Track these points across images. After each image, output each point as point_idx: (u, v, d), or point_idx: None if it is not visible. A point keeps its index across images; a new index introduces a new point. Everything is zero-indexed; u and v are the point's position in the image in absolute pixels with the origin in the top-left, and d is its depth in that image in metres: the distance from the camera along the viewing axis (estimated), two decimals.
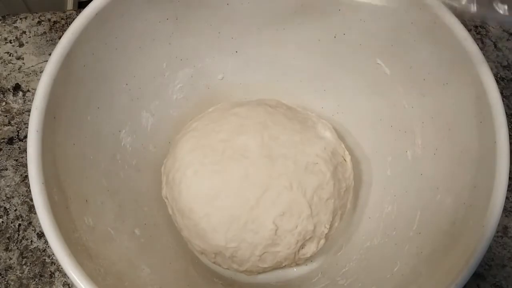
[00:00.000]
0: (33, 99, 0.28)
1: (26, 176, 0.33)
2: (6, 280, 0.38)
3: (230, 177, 0.35)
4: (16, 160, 0.42)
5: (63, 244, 0.25)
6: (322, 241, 0.36)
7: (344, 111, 0.41)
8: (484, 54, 0.31)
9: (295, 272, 0.37)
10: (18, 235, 0.39)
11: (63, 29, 0.46)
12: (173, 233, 0.37)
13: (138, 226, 0.33)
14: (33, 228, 0.40)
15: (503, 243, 0.42)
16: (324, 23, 0.37)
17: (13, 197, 0.40)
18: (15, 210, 0.40)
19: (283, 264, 0.35)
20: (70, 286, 0.38)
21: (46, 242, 0.38)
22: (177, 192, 0.36)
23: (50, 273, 0.38)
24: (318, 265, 0.37)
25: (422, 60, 0.34)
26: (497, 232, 0.41)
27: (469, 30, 0.33)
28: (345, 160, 0.38)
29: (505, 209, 0.42)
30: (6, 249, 0.39)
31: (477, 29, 0.51)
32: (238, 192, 0.34)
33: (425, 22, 0.33)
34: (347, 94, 0.40)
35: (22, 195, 0.41)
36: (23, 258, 0.39)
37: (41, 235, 0.39)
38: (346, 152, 0.39)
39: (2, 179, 0.41)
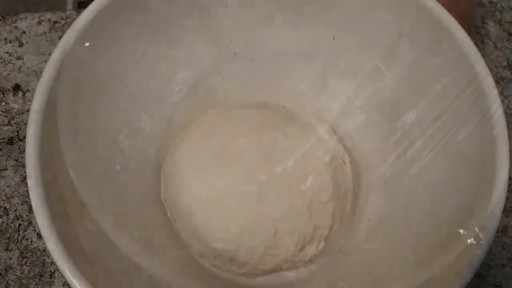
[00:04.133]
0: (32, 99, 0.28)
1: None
2: (6, 280, 0.38)
3: (229, 180, 0.35)
4: (16, 160, 0.42)
5: (62, 248, 0.25)
6: (322, 244, 0.36)
7: (344, 113, 0.41)
8: (484, 54, 0.31)
9: (295, 274, 0.37)
10: (18, 235, 0.39)
11: (63, 29, 0.46)
12: (172, 236, 0.37)
13: (137, 229, 0.33)
14: (33, 228, 0.40)
15: (503, 243, 0.42)
16: (323, 25, 0.37)
17: (13, 197, 0.41)
18: (15, 210, 0.40)
19: (283, 267, 0.36)
20: (70, 286, 0.38)
21: None
22: (175, 195, 0.36)
23: (50, 273, 0.38)
24: (318, 267, 0.37)
25: (422, 62, 0.34)
26: (497, 232, 0.41)
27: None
28: (344, 163, 0.38)
29: (505, 209, 0.42)
30: (6, 249, 0.39)
31: (477, 29, 0.50)
32: (236, 195, 0.35)
33: (424, 24, 0.33)
34: (347, 96, 0.40)
35: (22, 195, 0.41)
36: (23, 258, 0.39)
37: (41, 235, 0.39)
38: (346, 155, 0.39)
39: (2, 179, 0.41)
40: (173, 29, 0.36)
